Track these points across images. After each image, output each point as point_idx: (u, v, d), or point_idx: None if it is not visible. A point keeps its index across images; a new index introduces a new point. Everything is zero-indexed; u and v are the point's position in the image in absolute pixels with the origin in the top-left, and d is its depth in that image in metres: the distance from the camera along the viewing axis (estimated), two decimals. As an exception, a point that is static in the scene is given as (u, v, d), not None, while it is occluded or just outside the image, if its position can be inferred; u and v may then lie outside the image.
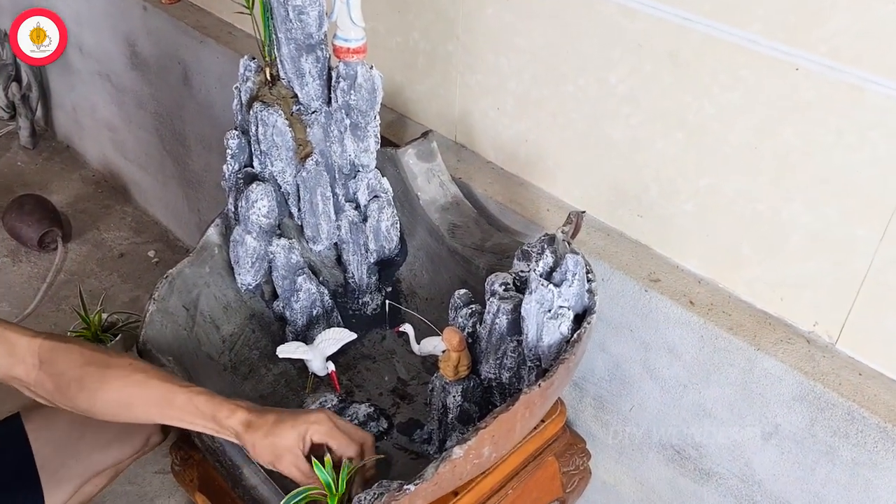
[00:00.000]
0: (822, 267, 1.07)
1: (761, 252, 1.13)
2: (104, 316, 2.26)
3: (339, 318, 1.38)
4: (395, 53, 1.56)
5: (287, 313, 1.33)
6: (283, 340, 1.33)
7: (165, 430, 1.32)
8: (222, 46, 1.92)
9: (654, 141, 1.19)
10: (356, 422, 1.24)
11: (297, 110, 1.24)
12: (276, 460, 1.00)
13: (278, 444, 0.99)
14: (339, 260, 1.39)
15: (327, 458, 0.99)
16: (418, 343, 1.27)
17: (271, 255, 1.29)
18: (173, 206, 2.58)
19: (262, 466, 1.04)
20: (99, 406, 1.02)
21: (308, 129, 1.25)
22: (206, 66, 2.03)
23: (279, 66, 1.22)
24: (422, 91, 1.56)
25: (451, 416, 1.15)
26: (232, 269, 1.31)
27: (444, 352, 1.13)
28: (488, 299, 1.10)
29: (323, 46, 1.20)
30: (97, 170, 2.99)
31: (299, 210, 1.31)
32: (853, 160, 0.99)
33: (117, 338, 2.27)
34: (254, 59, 1.25)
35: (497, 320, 1.09)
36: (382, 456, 1.08)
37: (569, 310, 1.03)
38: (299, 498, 0.97)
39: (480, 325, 1.13)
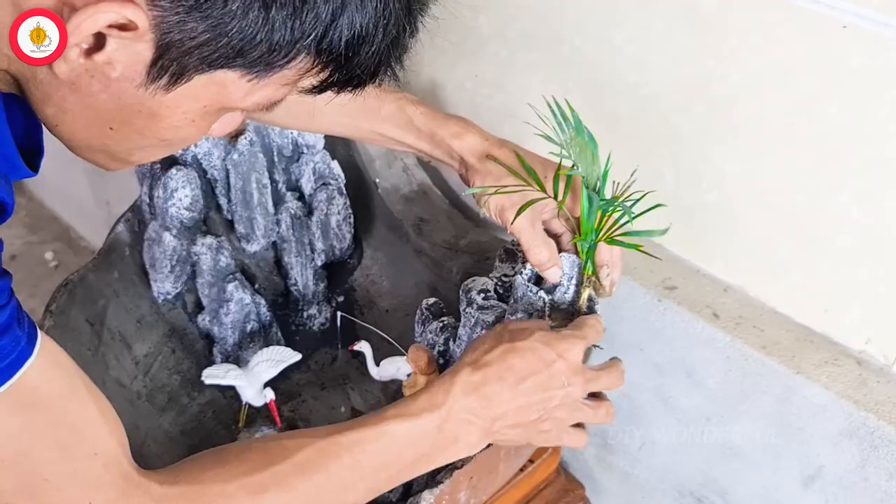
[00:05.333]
0: (875, 273, 1.07)
1: (801, 254, 1.13)
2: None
3: (280, 334, 1.39)
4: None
5: (215, 329, 1.33)
6: (211, 362, 1.34)
7: None
8: None
9: (668, 116, 1.19)
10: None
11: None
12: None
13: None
14: (278, 263, 1.40)
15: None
16: (377, 365, 1.28)
17: (195, 257, 1.30)
18: (76, 197, 2.58)
19: None
20: None
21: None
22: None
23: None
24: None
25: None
26: (146, 274, 1.32)
27: (408, 375, 1.13)
28: (464, 310, 1.10)
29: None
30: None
31: (229, 201, 1.32)
32: (915, 140, 0.99)
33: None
34: None
35: (475, 335, 1.09)
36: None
37: (564, 323, 1.04)
38: None
39: (454, 342, 1.13)
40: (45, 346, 0.72)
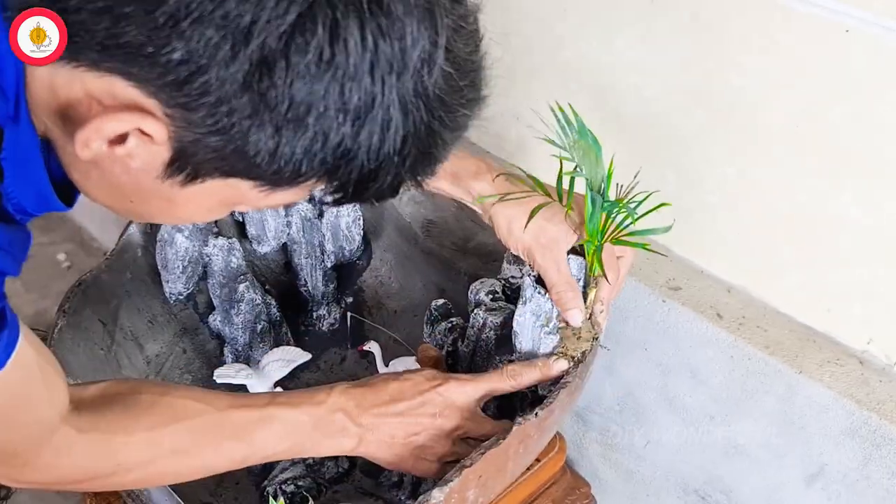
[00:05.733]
0: (877, 273, 1.07)
1: (804, 254, 1.13)
2: (3, 333, 2.24)
3: (290, 334, 1.37)
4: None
5: (226, 329, 1.32)
6: (221, 362, 1.33)
7: None
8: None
9: (670, 118, 1.19)
10: (310, 461, 1.24)
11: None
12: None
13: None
14: (289, 264, 1.39)
15: (280, 501, 0.98)
16: (386, 365, 1.27)
17: (206, 258, 1.29)
18: (88, 199, 2.56)
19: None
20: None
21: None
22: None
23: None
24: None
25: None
26: (158, 275, 1.31)
27: None
28: (472, 311, 1.10)
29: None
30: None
31: None
32: (915, 143, 0.99)
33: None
34: None
35: (483, 336, 1.09)
36: (343, 506, 1.08)
37: (570, 324, 1.03)
38: None
39: (462, 342, 1.13)
40: (18, 355, 0.75)
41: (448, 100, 0.65)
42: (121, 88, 0.61)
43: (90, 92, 0.62)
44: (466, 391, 1.01)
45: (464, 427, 1.01)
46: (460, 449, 1.02)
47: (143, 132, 0.62)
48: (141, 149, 0.63)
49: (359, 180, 0.66)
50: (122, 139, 0.63)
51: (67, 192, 0.75)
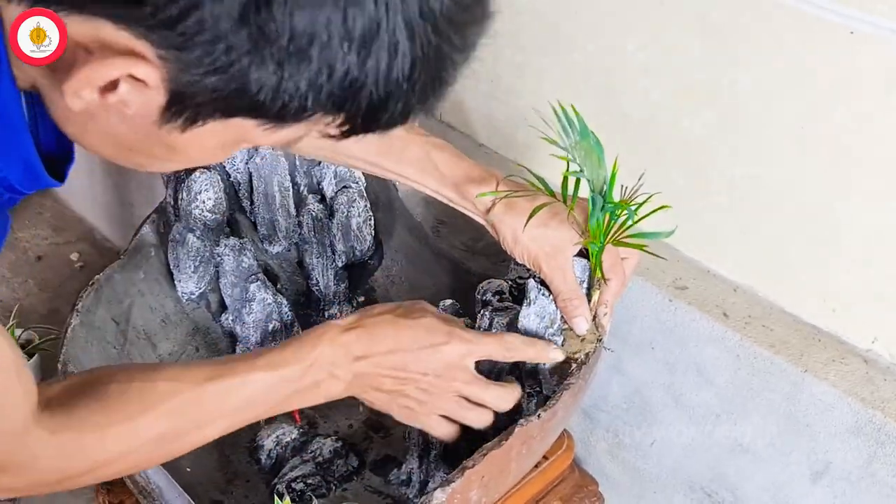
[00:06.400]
0: (882, 273, 1.07)
1: (809, 254, 1.14)
2: (18, 332, 2.25)
3: (301, 333, 1.36)
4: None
5: (238, 328, 1.33)
6: None
7: None
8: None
9: (679, 120, 1.19)
10: (320, 459, 1.24)
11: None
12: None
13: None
14: (300, 264, 1.40)
15: (286, 500, 0.99)
16: None
17: (218, 258, 1.30)
18: (101, 199, 2.57)
19: None
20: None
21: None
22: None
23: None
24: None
25: (433, 452, 1.15)
26: (171, 274, 1.31)
27: None
28: (479, 311, 1.10)
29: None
30: (9, 155, 2.98)
31: (252, 203, 1.32)
32: (920, 144, 0.99)
33: (33, 358, 2.25)
34: None
35: None
36: (354, 503, 1.08)
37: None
38: None
39: None
40: None
41: (455, 19, 0.61)
42: (108, 32, 0.58)
43: (76, 37, 0.59)
44: (463, 353, 0.98)
45: (457, 388, 0.99)
46: (451, 406, 1.00)
47: (134, 77, 0.59)
48: (134, 95, 0.60)
49: (367, 111, 0.62)
50: (113, 86, 0.60)
51: (58, 168, 0.72)
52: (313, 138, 0.68)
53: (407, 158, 1.07)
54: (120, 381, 0.88)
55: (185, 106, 0.61)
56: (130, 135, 0.66)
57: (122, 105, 0.62)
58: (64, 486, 0.87)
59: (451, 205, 1.09)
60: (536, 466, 1.22)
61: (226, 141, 0.68)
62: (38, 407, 0.81)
